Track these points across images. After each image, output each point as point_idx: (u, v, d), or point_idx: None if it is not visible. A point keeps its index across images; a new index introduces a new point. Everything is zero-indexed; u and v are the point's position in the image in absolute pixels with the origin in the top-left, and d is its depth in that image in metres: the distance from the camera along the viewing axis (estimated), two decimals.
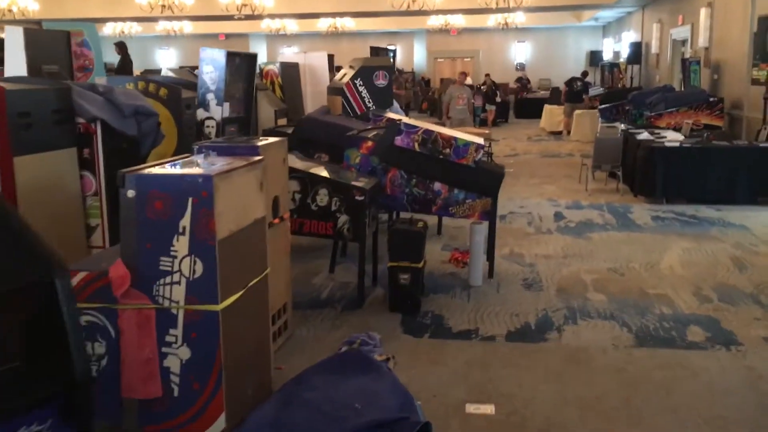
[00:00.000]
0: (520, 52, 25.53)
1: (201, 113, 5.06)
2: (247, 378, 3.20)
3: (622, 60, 18.63)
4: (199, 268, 2.82)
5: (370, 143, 5.50)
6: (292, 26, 21.75)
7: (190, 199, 2.79)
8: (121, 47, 12.14)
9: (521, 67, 25.20)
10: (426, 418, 3.10)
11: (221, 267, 2.85)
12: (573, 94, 16.27)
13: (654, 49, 15.84)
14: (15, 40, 5.33)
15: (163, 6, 15.79)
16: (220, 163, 3.11)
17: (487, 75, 20.76)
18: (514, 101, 21.97)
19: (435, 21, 20.48)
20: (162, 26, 20.88)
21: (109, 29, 20.52)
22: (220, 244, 2.83)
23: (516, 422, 3.34)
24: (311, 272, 5.68)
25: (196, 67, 6.31)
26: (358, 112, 7.53)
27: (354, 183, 4.93)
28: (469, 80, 17.54)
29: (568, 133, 15.92)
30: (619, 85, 17.18)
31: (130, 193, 2.81)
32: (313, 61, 8.92)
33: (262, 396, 3.33)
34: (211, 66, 4.96)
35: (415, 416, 3.07)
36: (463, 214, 5.42)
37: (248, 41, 25.68)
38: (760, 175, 8.18)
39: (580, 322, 4.60)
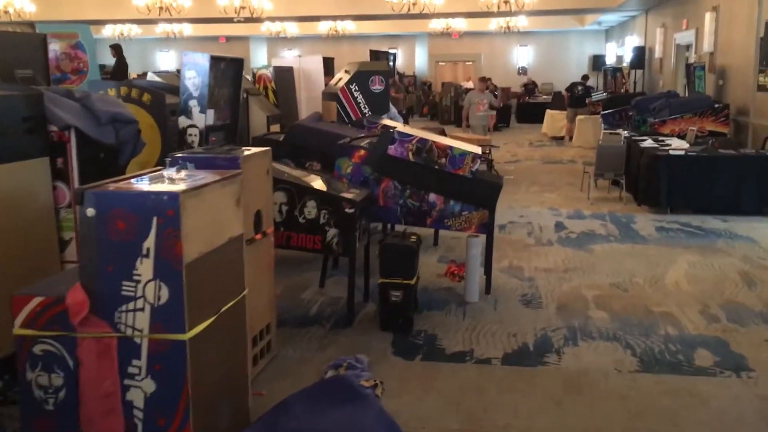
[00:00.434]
0: (522, 56, 25.32)
1: (183, 121, 4.78)
2: (221, 409, 2.96)
3: (625, 65, 18.35)
4: (165, 293, 2.58)
5: (362, 152, 5.27)
6: (292, 29, 21.57)
7: (155, 219, 2.55)
8: (116, 49, 11.97)
9: (523, 71, 24.99)
10: None
11: (189, 292, 2.60)
12: (575, 99, 16.06)
13: (657, 53, 15.59)
14: None
15: (161, 8, 15.61)
16: (192, 179, 2.87)
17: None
18: (516, 106, 21.76)
19: (436, 24, 20.29)
20: (162, 28, 20.70)
21: (108, 31, 20.36)
22: (187, 267, 2.59)
23: None
24: (300, 286, 5.45)
25: None
26: (354, 119, 7.27)
27: (344, 194, 4.70)
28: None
29: (571, 138, 15.70)
30: (622, 90, 16.90)
31: (90, 212, 2.57)
32: (308, 66, 8.69)
33: (238, 425, 3.11)
34: (194, 71, 4.66)
35: None
36: (460, 227, 5.18)
37: (249, 44, 25.49)
38: (767, 184, 7.93)
39: (581, 343, 4.36)
